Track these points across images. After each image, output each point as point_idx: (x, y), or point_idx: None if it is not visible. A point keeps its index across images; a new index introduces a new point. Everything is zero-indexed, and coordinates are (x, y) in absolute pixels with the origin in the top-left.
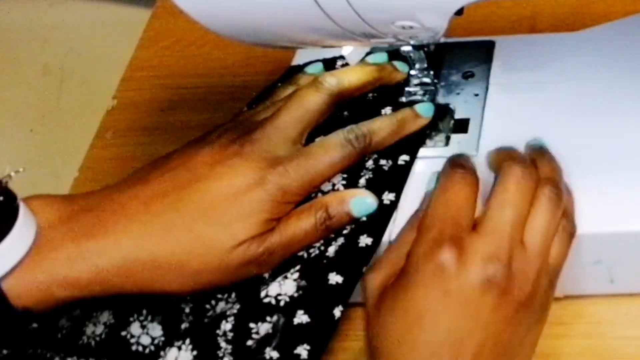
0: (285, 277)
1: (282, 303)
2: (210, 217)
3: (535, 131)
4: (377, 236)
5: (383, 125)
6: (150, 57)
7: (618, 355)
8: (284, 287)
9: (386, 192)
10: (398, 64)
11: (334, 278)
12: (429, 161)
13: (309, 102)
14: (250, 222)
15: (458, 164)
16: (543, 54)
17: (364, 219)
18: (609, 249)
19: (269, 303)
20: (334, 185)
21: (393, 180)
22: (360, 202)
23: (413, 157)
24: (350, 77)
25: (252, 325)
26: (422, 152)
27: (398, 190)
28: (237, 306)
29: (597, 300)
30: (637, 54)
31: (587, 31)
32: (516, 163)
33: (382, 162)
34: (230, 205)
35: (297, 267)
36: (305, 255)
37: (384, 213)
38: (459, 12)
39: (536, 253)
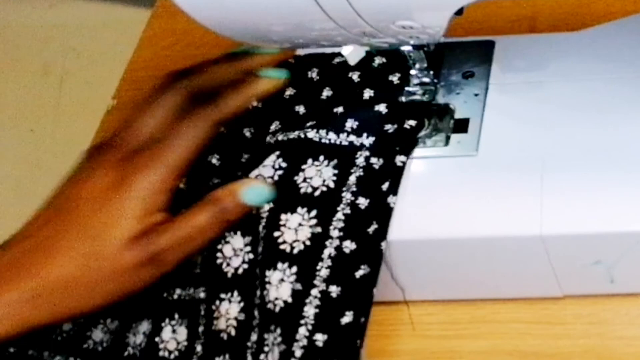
0: (282, 280)
1: (277, 309)
2: (87, 230)
3: (535, 131)
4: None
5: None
6: (150, 57)
7: (618, 355)
8: (281, 290)
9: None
10: (272, 72)
11: (334, 289)
12: (429, 161)
13: (163, 104)
14: (123, 225)
15: None
16: (543, 54)
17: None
18: (609, 249)
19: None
20: (324, 181)
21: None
22: (253, 191)
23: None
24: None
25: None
26: (423, 152)
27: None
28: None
29: (597, 300)
30: (637, 54)
31: (587, 31)
32: None
33: (373, 160)
34: (98, 213)
35: (294, 270)
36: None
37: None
38: (459, 12)
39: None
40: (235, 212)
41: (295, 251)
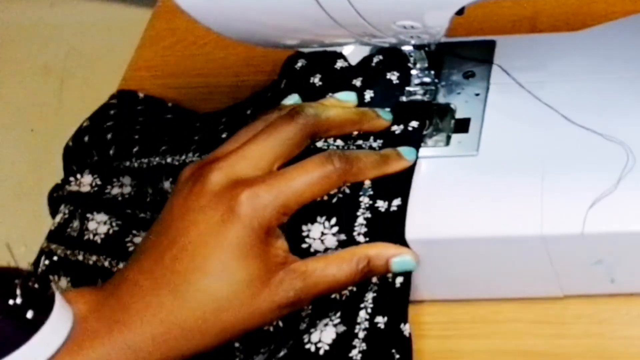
0: (326, 325)
1: (321, 351)
2: (213, 270)
3: (536, 131)
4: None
5: (367, 155)
6: (150, 57)
7: (618, 355)
8: (324, 335)
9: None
10: (382, 112)
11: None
12: (429, 161)
13: (281, 131)
14: (243, 262)
15: None
16: (544, 53)
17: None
18: (610, 249)
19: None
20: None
21: (398, 184)
22: (402, 262)
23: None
24: (330, 113)
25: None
26: (423, 152)
27: (404, 195)
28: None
29: (597, 300)
30: (638, 54)
31: (587, 31)
32: None
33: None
34: (220, 251)
35: (338, 314)
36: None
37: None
38: (460, 11)
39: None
40: (379, 272)
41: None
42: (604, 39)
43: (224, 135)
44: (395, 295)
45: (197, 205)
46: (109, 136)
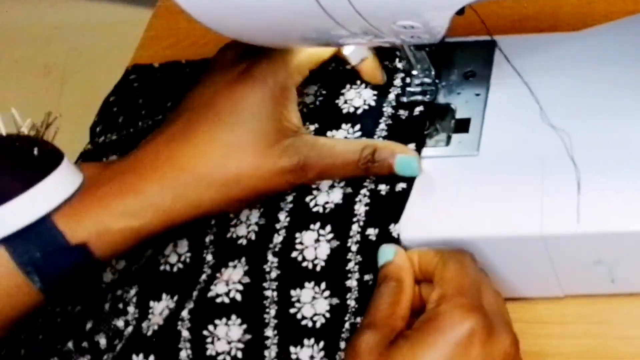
0: (333, 186)
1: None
2: (226, 124)
3: (536, 131)
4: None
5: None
6: (151, 57)
7: (619, 355)
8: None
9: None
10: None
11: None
12: (430, 161)
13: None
14: (256, 115)
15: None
16: (544, 53)
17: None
18: (610, 249)
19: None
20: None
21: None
22: (407, 161)
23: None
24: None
25: (297, 235)
26: (424, 151)
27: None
28: (288, 219)
29: (597, 300)
30: (638, 54)
31: (588, 31)
32: None
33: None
34: (236, 108)
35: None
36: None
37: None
38: (460, 11)
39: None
40: (381, 169)
41: None
42: (604, 39)
43: None
44: (386, 205)
45: (217, 70)
46: (140, 101)
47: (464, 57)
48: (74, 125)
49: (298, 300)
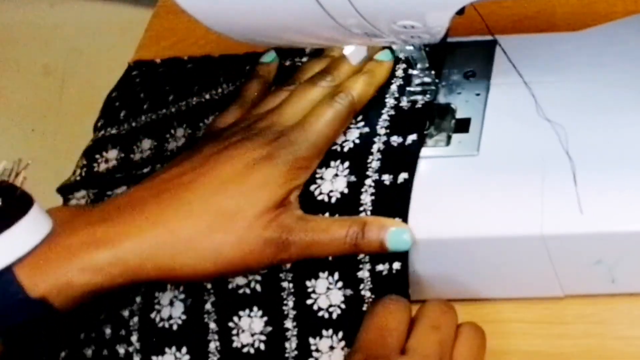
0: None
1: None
2: (227, 190)
3: (536, 131)
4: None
5: (355, 79)
6: (151, 57)
7: (619, 355)
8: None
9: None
10: (382, 55)
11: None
12: (430, 161)
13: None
14: (267, 190)
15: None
16: (544, 53)
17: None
18: (610, 249)
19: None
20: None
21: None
22: (398, 235)
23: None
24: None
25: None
26: (424, 151)
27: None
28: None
29: (597, 300)
30: (638, 54)
31: (588, 31)
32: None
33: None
34: (244, 178)
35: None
36: None
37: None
38: (460, 11)
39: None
40: (370, 246)
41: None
42: (604, 39)
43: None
44: (392, 197)
45: (236, 145)
46: (142, 95)
47: (464, 57)
48: (74, 125)
49: (314, 292)
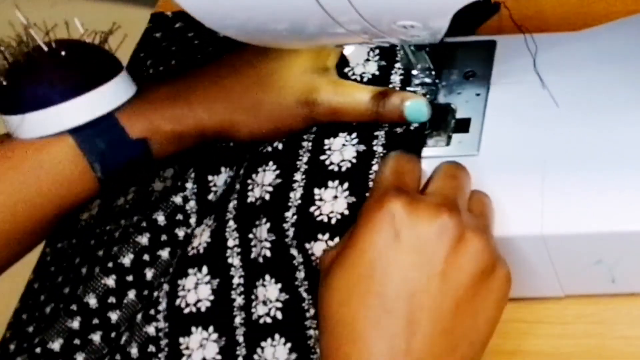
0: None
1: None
2: (268, 54)
3: (536, 130)
4: None
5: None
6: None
7: (619, 355)
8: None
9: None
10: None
11: None
12: (430, 161)
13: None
14: (301, 53)
15: None
16: (545, 53)
17: None
18: (610, 249)
19: None
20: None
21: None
22: (417, 107)
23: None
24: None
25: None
26: (424, 151)
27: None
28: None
29: (598, 300)
30: (639, 54)
31: (588, 31)
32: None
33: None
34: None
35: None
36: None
37: None
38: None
39: (485, 215)
40: (391, 115)
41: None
42: (605, 39)
43: None
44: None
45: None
46: (164, 44)
47: (464, 57)
48: None
49: (329, 148)
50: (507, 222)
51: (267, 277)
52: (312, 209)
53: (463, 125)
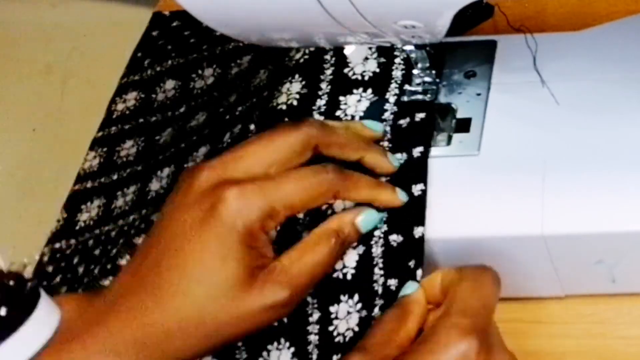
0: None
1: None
2: (194, 276)
3: (537, 131)
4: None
5: (362, 176)
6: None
7: (619, 355)
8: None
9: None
10: (390, 156)
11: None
12: (430, 161)
13: (283, 136)
14: (222, 264)
15: None
16: (545, 53)
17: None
18: (611, 249)
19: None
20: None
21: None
22: (367, 218)
23: (427, 148)
24: (338, 131)
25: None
26: None
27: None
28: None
29: (598, 300)
30: (638, 54)
31: (589, 31)
32: None
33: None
34: (197, 252)
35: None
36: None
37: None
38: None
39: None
40: (352, 239)
41: None
42: (605, 39)
43: None
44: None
45: (184, 203)
46: (161, 42)
47: (465, 56)
48: (75, 124)
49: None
50: (507, 222)
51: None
52: None
53: (464, 125)
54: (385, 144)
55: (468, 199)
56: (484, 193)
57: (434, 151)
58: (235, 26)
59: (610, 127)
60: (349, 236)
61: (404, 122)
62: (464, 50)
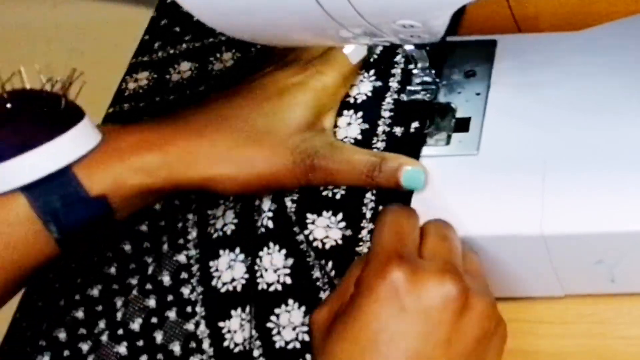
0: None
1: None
2: (262, 108)
3: (536, 130)
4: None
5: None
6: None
7: (619, 355)
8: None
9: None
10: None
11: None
12: (430, 160)
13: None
14: (297, 111)
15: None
16: (545, 53)
17: None
18: (610, 249)
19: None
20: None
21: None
22: (413, 175)
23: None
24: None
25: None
26: (424, 151)
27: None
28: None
29: (598, 300)
30: (639, 54)
31: (589, 31)
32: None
33: (396, 129)
34: (278, 100)
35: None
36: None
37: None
38: (460, 12)
39: (480, 274)
40: (387, 181)
41: None
42: (605, 39)
43: None
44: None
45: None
46: (179, 29)
47: (464, 56)
48: None
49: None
50: (507, 222)
51: (271, 244)
52: None
53: (463, 125)
54: (388, 116)
55: (467, 199)
56: (483, 193)
57: (432, 151)
58: (234, 26)
59: (610, 127)
60: (387, 174)
61: (398, 130)
62: (464, 50)
